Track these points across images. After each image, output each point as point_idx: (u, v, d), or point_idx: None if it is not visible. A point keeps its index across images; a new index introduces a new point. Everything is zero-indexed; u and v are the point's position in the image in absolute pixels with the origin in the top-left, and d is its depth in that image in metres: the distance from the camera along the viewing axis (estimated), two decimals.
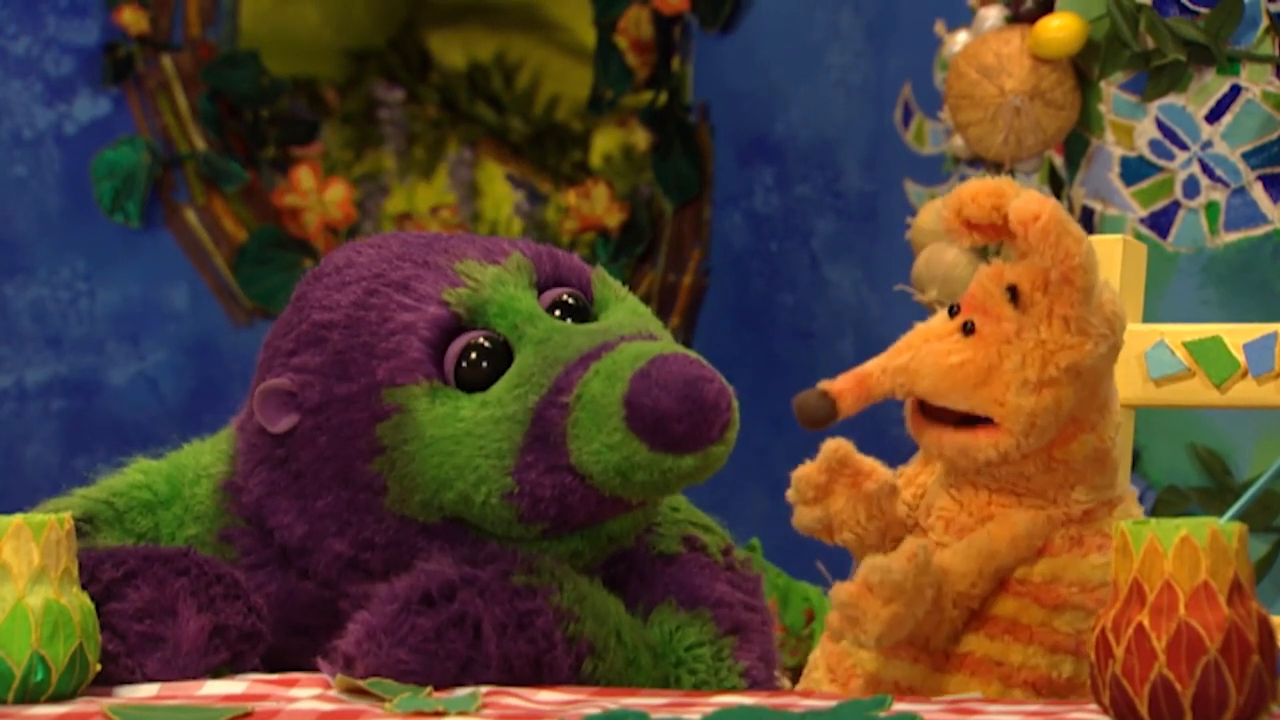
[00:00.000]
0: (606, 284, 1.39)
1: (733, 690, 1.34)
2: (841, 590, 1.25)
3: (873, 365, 1.26)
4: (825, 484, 1.30)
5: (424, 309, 1.32)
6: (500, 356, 1.31)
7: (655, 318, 1.38)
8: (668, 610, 1.36)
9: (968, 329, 1.26)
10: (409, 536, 1.32)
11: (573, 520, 1.30)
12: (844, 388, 1.25)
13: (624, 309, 1.37)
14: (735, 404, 1.28)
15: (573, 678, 1.29)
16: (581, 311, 1.36)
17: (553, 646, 1.28)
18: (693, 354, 1.28)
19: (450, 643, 1.26)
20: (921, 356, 1.25)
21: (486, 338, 1.32)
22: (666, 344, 1.29)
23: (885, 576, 1.24)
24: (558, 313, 1.35)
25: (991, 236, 1.29)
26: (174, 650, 1.29)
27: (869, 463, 1.31)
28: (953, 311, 1.27)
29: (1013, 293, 1.27)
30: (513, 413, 1.28)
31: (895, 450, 1.36)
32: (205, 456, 1.43)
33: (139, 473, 1.44)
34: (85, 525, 1.40)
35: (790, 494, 1.32)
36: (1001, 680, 1.30)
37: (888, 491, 1.31)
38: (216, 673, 1.30)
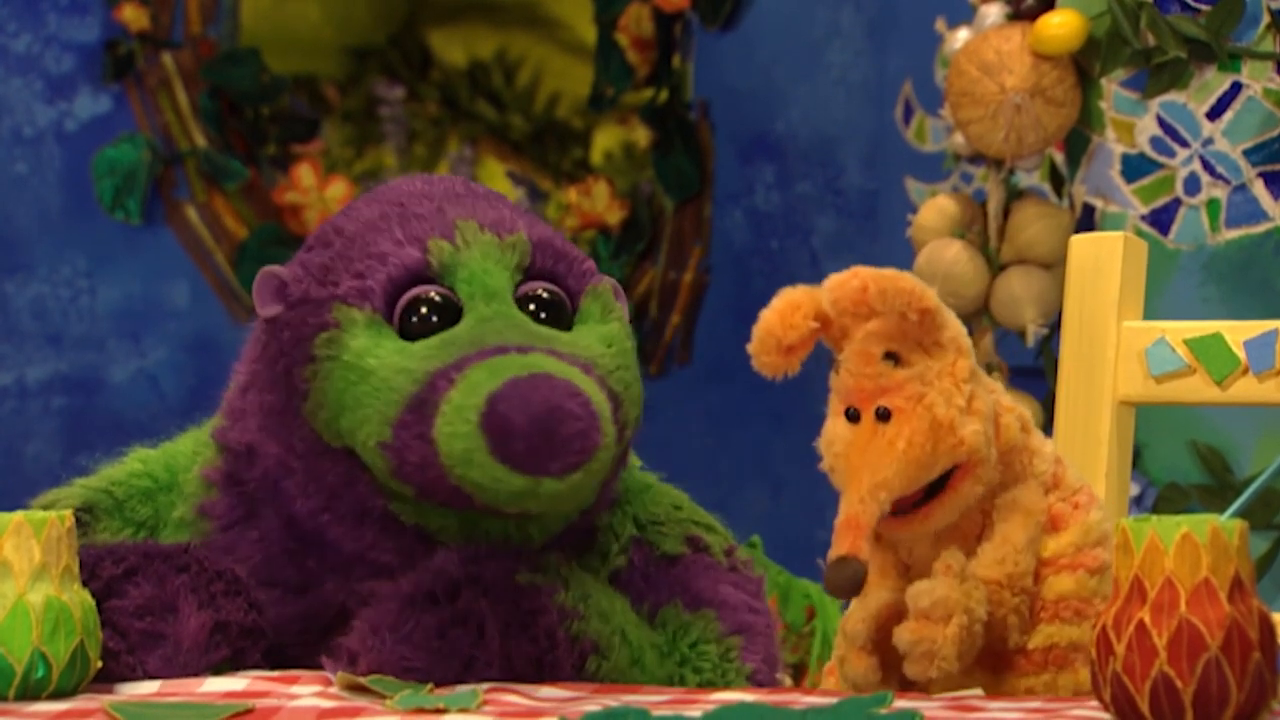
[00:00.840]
0: (600, 300, 1.38)
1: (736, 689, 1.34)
2: (903, 632, 1.25)
3: (850, 505, 1.25)
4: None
5: (405, 247, 1.34)
6: (449, 317, 1.33)
7: (628, 352, 1.37)
8: (673, 613, 1.36)
9: (881, 415, 1.27)
10: (318, 453, 1.34)
11: (436, 495, 1.31)
12: (853, 541, 1.24)
13: (596, 332, 1.36)
14: (599, 454, 1.26)
15: (576, 677, 1.29)
16: (556, 310, 1.36)
17: (555, 646, 1.28)
18: (589, 391, 1.27)
19: (454, 641, 1.27)
20: (876, 467, 1.26)
21: (440, 294, 1.33)
22: (571, 371, 1.28)
23: (934, 596, 1.25)
24: (531, 305, 1.35)
25: (809, 347, 1.30)
26: (175, 647, 1.29)
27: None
28: (850, 415, 1.28)
29: (891, 358, 1.28)
30: (414, 369, 1.30)
31: None
32: (203, 435, 1.44)
33: (138, 461, 1.45)
34: (85, 515, 1.40)
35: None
36: (1086, 664, 1.30)
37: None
38: (218, 670, 1.30)
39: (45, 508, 1.41)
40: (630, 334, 1.39)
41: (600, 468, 1.27)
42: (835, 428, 1.28)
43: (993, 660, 1.31)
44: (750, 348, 1.30)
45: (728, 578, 1.40)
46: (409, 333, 1.32)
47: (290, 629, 1.37)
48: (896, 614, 1.29)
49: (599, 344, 1.35)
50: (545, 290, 1.36)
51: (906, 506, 1.29)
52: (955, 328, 1.31)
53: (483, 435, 1.25)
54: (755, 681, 1.36)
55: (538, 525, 1.37)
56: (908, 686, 1.31)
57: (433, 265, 1.34)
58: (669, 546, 1.41)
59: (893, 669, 1.29)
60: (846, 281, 1.28)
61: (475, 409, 1.25)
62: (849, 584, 1.22)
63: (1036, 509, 1.32)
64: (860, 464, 1.26)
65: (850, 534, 1.24)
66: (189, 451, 1.45)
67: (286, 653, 1.38)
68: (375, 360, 1.31)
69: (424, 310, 1.33)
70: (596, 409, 1.26)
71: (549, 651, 1.28)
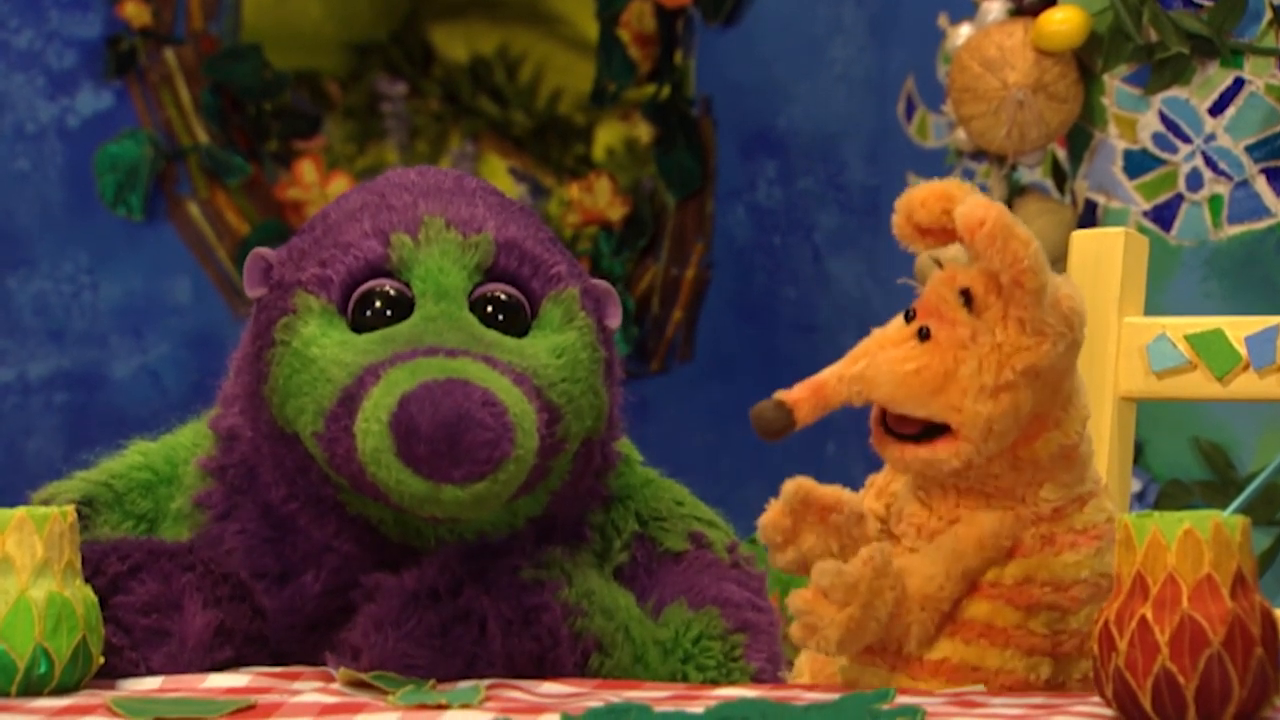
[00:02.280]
0: (561, 306, 1.36)
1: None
2: (796, 597, 1.24)
3: (829, 373, 1.25)
4: (792, 526, 1.30)
5: (368, 240, 1.34)
6: (401, 313, 1.33)
7: (578, 365, 1.34)
8: (677, 610, 1.36)
9: (923, 335, 1.26)
10: (276, 436, 1.35)
11: (364, 489, 1.30)
12: (800, 397, 1.24)
13: (547, 342, 1.34)
14: (506, 468, 1.25)
15: (578, 674, 1.29)
16: (513, 313, 1.34)
17: (558, 643, 1.28)
18: (509, 403, 1.25)
19: (456, 639, 1.27)
20: (877, 364, 1.25)
21: (395, 289, 1.33)
22: (498, 381, 1.27)
23: (837, 580, 1.23)
24: (489, 307, 1.34)
25: (943, 240, 1.29)
26: (179, 644, 1.29)
27: (832, 494, 1.30)
28: (909, 316, 1.27)
29: (966, 296, 1.26)
30: (351, 363, 1.30)
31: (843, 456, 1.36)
32: (203, 427, 1.44)
33: (138, 454, 1.45)
34: (85, 508, 1.40)
35: (760, 540, 1.31)
36: (985, 687, 1.30)
37: (855, 520, 1.30)
38: (220, 669, 1.30)
39: (45, 501, 1.41)
40: (592, 345, 1.36)
41: (509, 480, 1.25)
42: (892, 322, 1.28)
43: (887, 657, 1.30)
44: (896, 203, 1.28)
45: (730, 575, 1.40)
46: (360, 325, 1.32)
47: (277, 623, 1.37)
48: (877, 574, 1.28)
49: (547, 354, 1.33)
50: (503, 293, 1.35)
51: (902, 434, 1.28)
52: (1059, 325, 1.26)
53: (390, 435, 1.24)
54: (759, 680, 1.36)
55: (468, 525, 1.36)
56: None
57: (392, 259, 1.34)
58: (671, 543, 1.41)
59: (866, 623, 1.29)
60: (976, 209, 1.24)
61: (388, 408, 1.25)
62: (774, 425, 1.22)
63: (992, 544, 1.30)
64: (870, 351, 1.25)
65: (806, 392, 1.24)
66: (189, 443, 1.45)
67: (278, 649, 1.38)
68: (318, 350, 1.31)
69: (377, 304, 1.33)
70: (512, 420, 1.25)
71: (551, 649, 1.28)
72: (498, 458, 1.24)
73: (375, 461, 1.25)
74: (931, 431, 1.27)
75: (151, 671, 1.28)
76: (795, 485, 1.29)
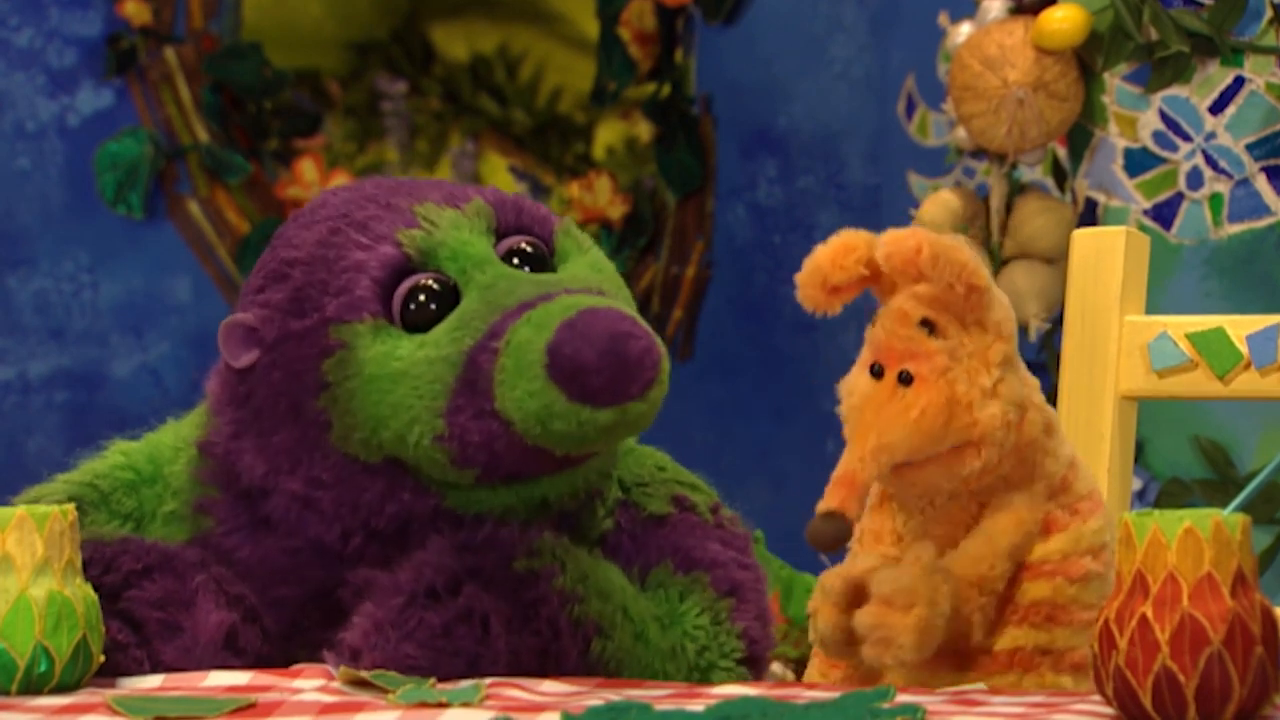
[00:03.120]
0: (570, 235, 1.38)
1: (733, 654, 1.34)
2: (863, 616, 1.25)
3: (847, 463, 1.25)
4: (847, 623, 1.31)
5: (377, 248, 1.32)
6: (447, 299, 1.31)
7: (616, 274, 1.37)
8: (664, 574, 1.36)
9: (905, 379, 1.27)
10: (354, 475, 1.33)
11: (502, 468, 1.30)
12: (840, 497, 1.24)
13: (584, 262, 1.36)
14: (664, 363, 1.26)
15: (582, 662, 1.28)
16: (539, 260, 1.35)
17: (559, 634, 1.28)
18: (628, 310, 1.27)
19: (459, 639, 1.26)
20: (885, 429, 1.25)
21: (435, 279, 1.32)
22: (605, 299, 1.28)
23: (897, 584, 1.24)
24: (515, 260, 1.34)
25: (855, 292, 1.30)
26: (192, 639, 1.28)
27: (863, 568, 1.31)
28: (875, 371, 1.27)
29: (929, 325, 1.27)
30: (447, 355, 1.28)
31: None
32: (183, 431, 1.44)
33: (120, 454, 1.44)
34: None
35: (822, 648, 1.32)
36: (1052, 669, 1.30)
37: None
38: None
39: (28, 504, 1.41)
40: (601, 251, 1.39)
41: (667, 375, 1.27)
42: (857, 379, 1.28)
43: (956, 658, 1.31)
44: (798, 279, 1.29)
45: (715, 534, 1.40)
46: (415, 325, 1.31)
47: (281, 618, 1.37)
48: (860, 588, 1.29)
49: (593, 274, 1.35)
50: (527, 243, 1.36)
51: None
52: (1002, 311, 1.30)
53: (555, 386, 1.23)
54: (748, 638, 1.36)
55: (582, 476, 1.36)
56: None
57: (412, 256, 1.32)
58: (655, 507, 1.41)
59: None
60: (903, 240, 1.26)
61: (537, 363, 1.24)
62: (831, 539, 1.22)
63: (1029, 518, 1.31)
64: (871, 422, 1.25)
65: (842, 490, 1.23)
66: (170, 444, 1.44)
67: (282, 645, 1.37)
68: (400, 363, 1.30)
69: (422, 299, 1.32)
70: (639, 319, 1.26)
71: (553, 641, 1.28)
72: (657, 359, 1.25)
73: (546, 417, 1.24)
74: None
75: (163, 665, 1.28)
76: (836, 581, 1.29)
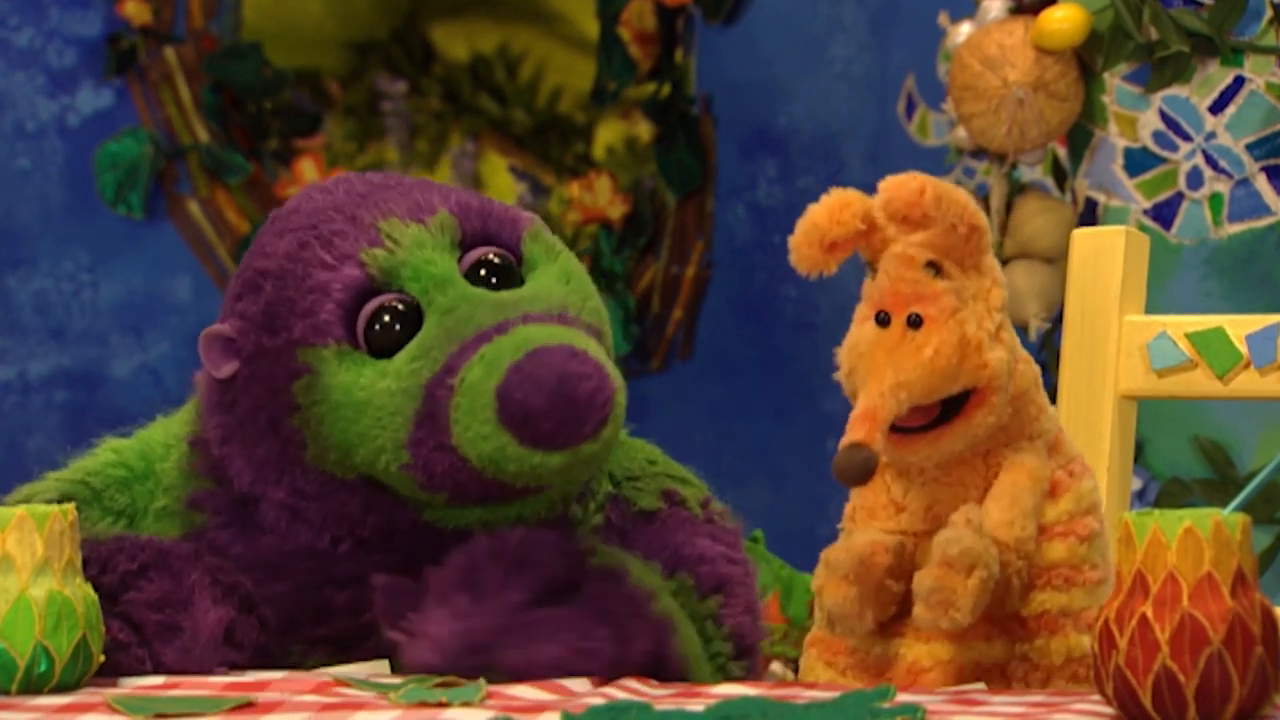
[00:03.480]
0: (539, 240, 1.37)
1: (719, 657, 1.34)
2: (925, 577, 1.24)
3: (871, 399, 1.24)
4: (858, 594, 1.30)
5: (340, 269, 1.32)
6: (412, 320, 1.31)
7: (585, 280, 1.36)
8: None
9: (914, 322, 1.26)
10: (334, 491, 1.33)
11: (470, 495, 1.30)
12: (869, 430, 1.23)
13: (552, 271, 1.35)
14: (618, 397, 1.25)
15: (668, 661, 1.27)
16: (506, 272, 1.35)
17: (657, 634, 1.27)
18: (580, 343, 1.26)
19: (598, 639, 1.25)
20: (902, 367, 1.25)
21: (399, 300, 1.31)
22: (559, 331, 1.27)
23: (960, 546, 1.24)
24: (482, 272, 1.34)
25: (848, 250, 1.29)
26: (192, 639, 1.28)
27: (867, 544, 1.30)
28: (881, 319, 1.27)
29: (935, 268, 1.27)
30: (407, 387, 1.28)
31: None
32: (173, 427, 1.44)
33: (111, 451, 1.44)
34: None
35: (837, 623, 1.31)
36: (1074, 629, 1.30)
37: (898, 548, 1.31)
38: (232, 667, 1.30)
39: (20, 503, 1.41)
40: (574, 257, 1.37)
41: (621, 410, 1.26)
42: (862, 332, 1.27)
43: (986, 625, 1.31)
44: (792, 240, 1.28)
45: (704, 529, 1.40)
46: (379, 349, 1.31)
47: (276, 612, 1.37)
48: (882, 552, 1.29)
49: (560, 286, 1.34)
50: (494, 254, 1.35)
51: (917, 426, 1.28)
52: (994, 258, 1.31)
53: (506, 430, 1.24)
54: (737, 636, 1.36)
55: (558, 495, 1.36)
56: (885, 625, 1.31)
57: (375, 276, 1.32)
58: (645, 502, 1.40)
59: (869, 602, 1.28)
60: (905, 183, 1.26)
61: (488, 407, 1.24)
62: (859, 470, 1.21)
63: (1042, 474, 1.32)
64: (885, 363, 1.25)
65: (866, 423, 1.22)
66: (161, 440, 1.44)
67: (279, 639, 1.37)
68: (363, 393, 1.30)
69: (386, 319, 1.31)
70: (595, 357, 1.25)
71: (660, 644, 1.28)
72: (608, 397, 1.24)
73: (500, 459, 1.24)
74: (946, 412, 1.28)
75: (164, 667, 1.28)
76: (842, 554, 1.29)
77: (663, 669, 1.27)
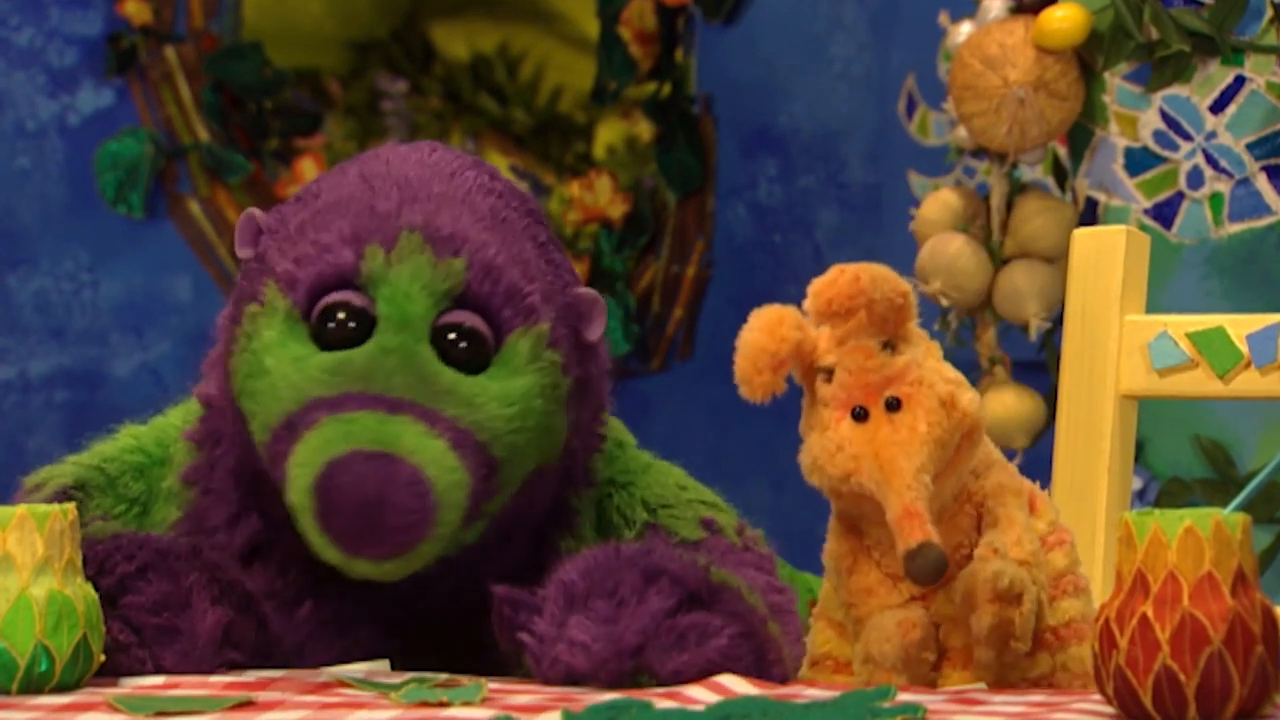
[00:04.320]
0: (528, 341, 1.32)
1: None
2: (984, 617, 1.24)
3: (904, 496, 1.22)
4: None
5: (345, 246, 1.32)
6: (365, 328, 1.31)
7: (532, 414, 1.31)
8: None
9: (892, 404, 1.27)
10: (233, 408, 1.34)
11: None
12: (922, 527, 1.22)
13: (500, 387, 1.31)
14: (420, 547, 1.25)
15: (786, 680, 1.28)
16: (474, 347, 1.31)
17: (774, 644, 1.28)
18: (439, 478, 1.25)
19: (740, 649, 1.25)
20: (908, 452, 1.25)
21: (359, 304, 1.31)
22: (433, 452, 1.25)
23: (1008, 577, 1.25)
24: (450, 335, 1.31)
25: (789, 366, 1.29)
26: (190, 642, 1.28)
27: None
28: (857, 414, 1.27)
29: (888, 347, 1.28)
30: (300, 388, 1.29)
31: None
32: (192, 409, 1.44)
33: (130, 437, 1.45)
34: (77, 492, 1.40)
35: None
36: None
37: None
38: (231, 667, 1.30)
39: (36, 486, 1.41)
40: (553, 384, 1.32)
41: (423, 554, 1.26)
42: (841, 432, 1.27)
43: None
44: (740, 373, 1.28)
45: (747, 559, 1.39)
46: (320, 335, 1.31)
47: (264, 609, 1.37)
48: (913, 628, 1.28)
49: (499, 403, 1.30)
50: (469, 323, 1.32)
51: None
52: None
53: (313, 499, 1.24)
54: (792, 666, 1.35)
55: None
56: None
57: (362, 272, 1.31)
58: (686, 531, 1.39)
59: (914, 679, 1.29)
60: (835, 279, 1.28)
61: (315, 468, 1.24)
62: (934, 569, 1.21)
63: (1022, 489, 1.33)
64: (892, 455, 1.25)
65: (915, 521, 1.22)
66: (179, 424, 1.44)
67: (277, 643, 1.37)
68: (273, 361, 1.30)
69: (340, 315, 1.31)
70: (436, 499, 1.24)
71: (784, 663, 1.28)
72: (414, 540, 1.24)
73: (300, 512, 1.25)
74: None
75: (164, 669, 1.28)
76: (889, 647, 1.29)
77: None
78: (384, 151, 1.41)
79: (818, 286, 1.28)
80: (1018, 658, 1.28)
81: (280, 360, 1.30)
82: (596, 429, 1.41)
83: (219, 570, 1.32)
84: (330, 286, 1.31)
